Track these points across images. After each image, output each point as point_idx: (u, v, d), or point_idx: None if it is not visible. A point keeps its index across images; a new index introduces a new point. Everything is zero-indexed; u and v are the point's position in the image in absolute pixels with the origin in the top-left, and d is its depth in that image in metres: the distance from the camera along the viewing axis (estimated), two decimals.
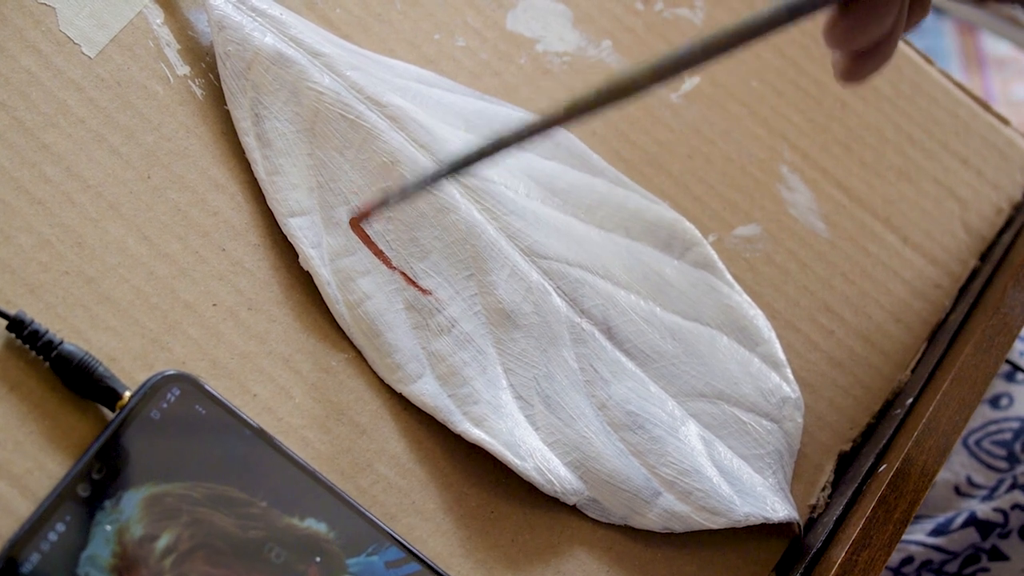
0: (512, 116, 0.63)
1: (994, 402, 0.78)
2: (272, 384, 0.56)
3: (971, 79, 1.44)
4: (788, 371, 0.63)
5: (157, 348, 0.55)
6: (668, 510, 0.59)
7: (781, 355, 0.63)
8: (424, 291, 0.59)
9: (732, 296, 0.63)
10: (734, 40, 0.50)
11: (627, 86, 0.51)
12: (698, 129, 0.67)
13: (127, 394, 0.53)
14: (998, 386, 0.78)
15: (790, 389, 0.62)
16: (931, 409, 0.59)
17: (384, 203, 0.56)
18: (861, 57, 0.55)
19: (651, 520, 0.59)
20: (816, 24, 0.69)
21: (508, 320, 0.59)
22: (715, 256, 0.64)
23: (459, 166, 0.53)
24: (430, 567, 0.54)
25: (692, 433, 0.60)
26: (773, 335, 0.63)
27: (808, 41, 0.69)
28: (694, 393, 0.61)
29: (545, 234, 0.61)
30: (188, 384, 0.53)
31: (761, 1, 0.69)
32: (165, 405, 0.53)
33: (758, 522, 0.59)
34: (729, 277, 0.64)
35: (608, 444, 0.59)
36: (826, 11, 0.53)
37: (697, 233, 0.64)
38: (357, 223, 0.59)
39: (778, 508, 0.59)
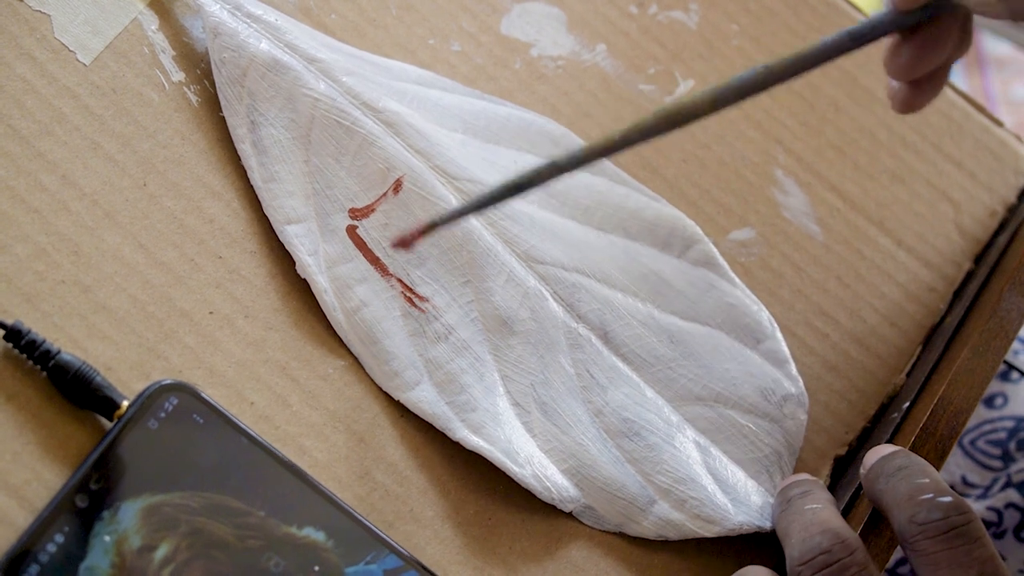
0: (511, 115, 0.63)
1: (989, 401, 0.78)
2: (269, 392, 0.56)
3: (971, 79, 1.44)
4: (792, 367, 0.63)
5: (154, 357, 0.55)
6: (663, 518, 0.59)
7: (785, 350, 0.63)
8: (421, 298, 0.59)
9: (733, 293, 0.63)
10: (796, 67, 0.53)
11: (686, 113, 0.52)
12: (692, 133, 0.67)
13: (125, 404, 0.53)
14: (993, 385, 0.79)
15: (792, 386, 0.62)
16: (928, 414, 0.59)
17: (431, 227, 0.54)
18: (919, 86, 0.57)
19: (646, 528, 0.59)
20: (808, 26, 0.69)
21: (505, 326, 0.59)
22: (716, 253, 0.64)
23: (510, 191, 0.53)
24: (429, 574, 0.54)
25: (688, 440, 0.60)
26: (776, 330, 0.63)
27: (800, 44, 0.69)
28: (691, 397, 0.61)
29: (542, 238, 0.61)
30: (185, 393, 0.53)
31: (755, 5, 0.69)
32: (163, 414, 0.53)
33: (752, 531, 0.59)
34: (731, 273, 0.64)
35: (604, 451, 0.59)
36: (887, 39, 0.55)
37: (698, 230, 0.64)
38: (356, 236, 0.59)
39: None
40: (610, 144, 0.53)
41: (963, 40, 0.56)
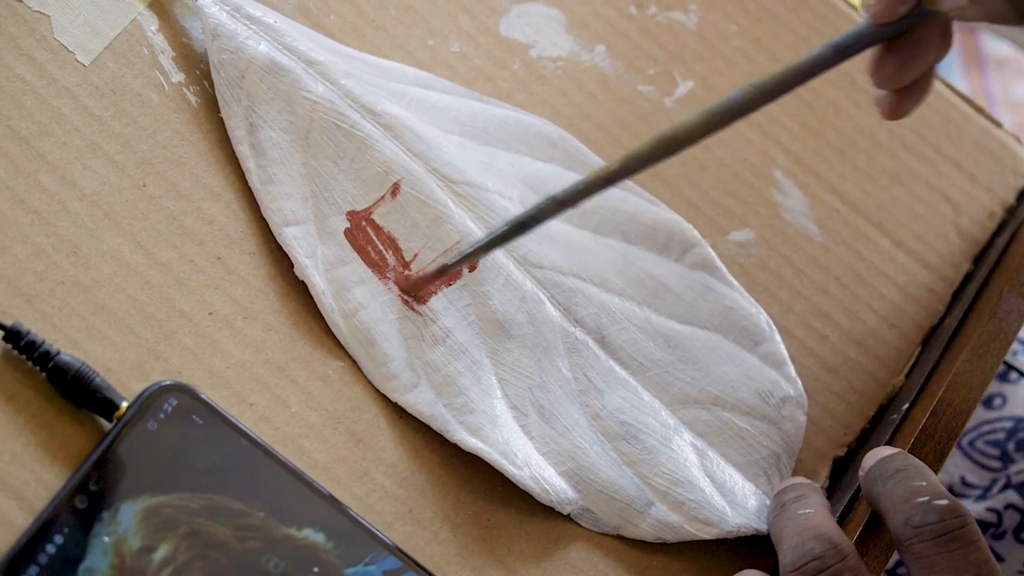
0: (509, 117, 0.64)
1: (987, 402, 0.78)
2: (268, 393, 0.56)
3: (971, 79, 1.44)
4: (790, 369, 0.63)
5: (153, 358, 0.55)
6: (661, 520, 0.59)
7: (783, 352, 0.63)
8: (419, 300, 0.59)
9: (732, 296, 0.63)
10: (784, 84, 0.53)
11: (680, 138, 0.52)
12: None
13: (124, 405, 0.53)
14: (991, 386, 0.79)
15: (791, 387, 0.62)
16: (927, 415, 0.59)
17: (442, 271, 0.58)
18: (905, 93, 0.57)
19: (644, 530, 0.59)
20: (809, 27, 0.70)
21: (502, 330, 0.59)
22: (714, 256, 0.64)
23: (515, 230, 0.55)
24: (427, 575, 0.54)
25: (685, 443, 0.60)
26: (775, 333, 0.63)
27: (800, 45, 0.69)
28: (688, 400, 0.61)
29: (539, 242, 0.61)
30: (184, 394, 0.53)
31: (754, 6, 0.69)
32: (162, 415, 0.53)
33: (749, 533, 0.59)
34: (729, 277, 0.64)
35: (602, 454, 0.59)
36: (870, 50, 0.55)
37: (696, 233, 0.64)
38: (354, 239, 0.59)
39: None
40: (608, 175, 0.54)
41: (944, 42, 0.56)
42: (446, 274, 0.58)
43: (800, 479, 0.60)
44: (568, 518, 0.59)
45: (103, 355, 0.55)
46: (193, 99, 0.60)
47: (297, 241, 0.58)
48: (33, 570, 0.50)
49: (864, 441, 0.64)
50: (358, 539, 0.54)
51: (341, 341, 0.58)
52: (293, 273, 0.58)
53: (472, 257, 0.57)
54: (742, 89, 0.52)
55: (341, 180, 0.59)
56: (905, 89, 0.57)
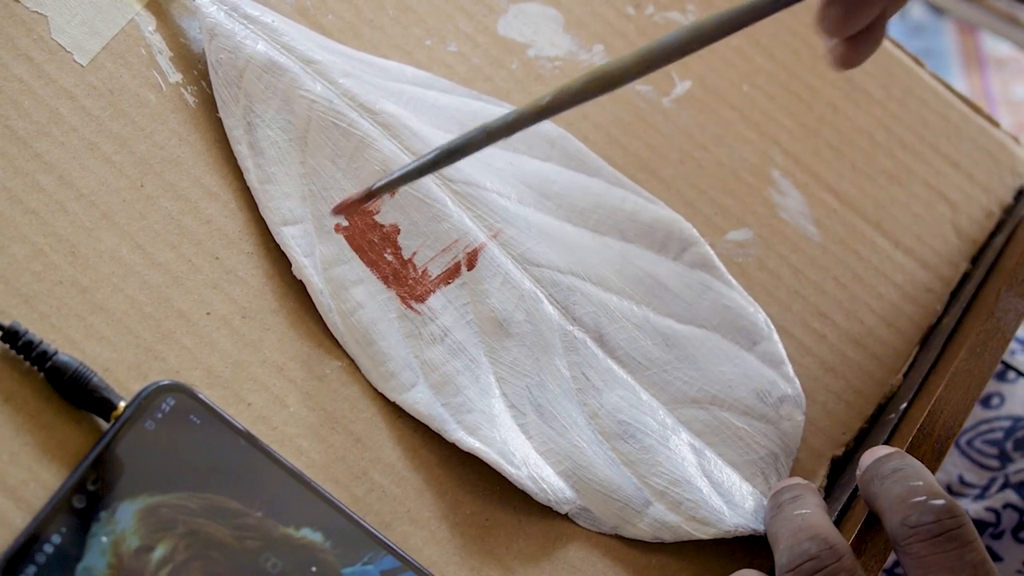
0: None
1: (985, 401, 0.78)
2: (266, 393, 0.56)
3: (971, 79, 1.44)
4: (788, 368, 0.63)
5: (151, 358, 0.55)
6: (659, 520, 0.59)
7: (781, 352, 0.63)
8: (417, 299, 0.59)
9: (730, 295, 0.63)
10: (721, 27, 0.52)
11: (615, 76, 0.52)
12: (690, 134, 0.67)
13: (122, 404, 0.53)
14: (989, 385, 0.79)
15: (789, 387, 0.62)
16: (925, 415, 0.59)
17: (368, 196, 0.55)
18: (855, 42, 0.57)
19: (642, 530, 0.59)
20: (807, 26, 0.70)
21: (500, 329, 0.59)
22: (713, 255, 0.64)
23: (444, 158, 0.53)
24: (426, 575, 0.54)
25: (683, 442, 0.60)
26: (773, 332, 0.63)
27: (798, 44, 0.69)
28: (686, 400, 0.61)
29: (537, 241, 0.61)
30: (182, 394, 0.53)
31: None
32: (160, 415, 0.53)
33: (747, 534, 0.59)
34: (728, 275, 0.64)
35: (600, 453, 0.59)
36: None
37: (695, 232, 0.64)
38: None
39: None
40: (540, 109, 0.53)
41: None
42: (373, 198, 0.56)
43: (797, 479, 0.60)
44: (566, 517, 0.59)
45: (101, 355, 0.55)
46: (191, 99, 0.60)
47: (295, 240, 0.58)
48: (31, 570, 0.50)
49: (862, 440, 0.64)
50: (356, 539, 0.54)
51: (339, 340, 0.58)
52: (291, 272, 0.58)
53: (399, 182, 0.55)
54: (680, 30, 0.51)
55: (339, 179, 0.59)
56: (855, 38, 0.56)
